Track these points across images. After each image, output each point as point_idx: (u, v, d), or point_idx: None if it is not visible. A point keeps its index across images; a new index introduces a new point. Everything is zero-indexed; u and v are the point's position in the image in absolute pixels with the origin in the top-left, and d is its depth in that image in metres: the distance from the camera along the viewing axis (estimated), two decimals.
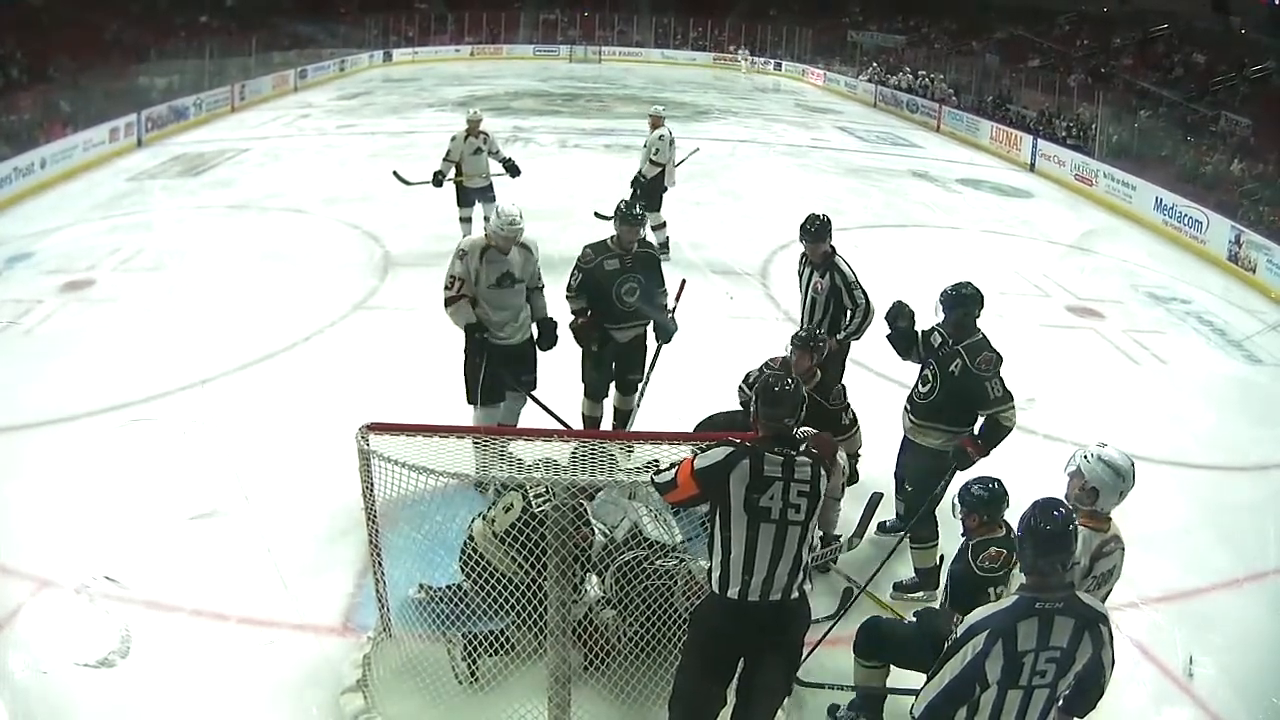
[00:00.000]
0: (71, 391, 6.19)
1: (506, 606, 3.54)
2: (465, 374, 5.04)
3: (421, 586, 3.98)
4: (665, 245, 9.23)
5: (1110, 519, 3.24)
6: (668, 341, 5.38)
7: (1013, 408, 4.17)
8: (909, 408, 4.58)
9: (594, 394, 5.48)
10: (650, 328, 5.41)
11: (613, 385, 5.52)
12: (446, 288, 4.91)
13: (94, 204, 11.58)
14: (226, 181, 13.01)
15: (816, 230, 5.38)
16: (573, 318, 5.26)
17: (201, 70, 19.77)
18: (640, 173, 9.36)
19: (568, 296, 5.26)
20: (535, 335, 5.15)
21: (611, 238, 5.27)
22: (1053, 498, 3.08)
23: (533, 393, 5.13)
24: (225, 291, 8.28)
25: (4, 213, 11.17)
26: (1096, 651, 2.64)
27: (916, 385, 4.56)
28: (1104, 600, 3.21)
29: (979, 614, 2.69)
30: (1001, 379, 4.17)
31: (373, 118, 19.11)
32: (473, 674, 3.67)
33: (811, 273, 5.42)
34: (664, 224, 9.45)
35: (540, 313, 5.16)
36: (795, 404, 3.00)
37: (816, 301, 5.39)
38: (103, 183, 12.85)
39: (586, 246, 5.29)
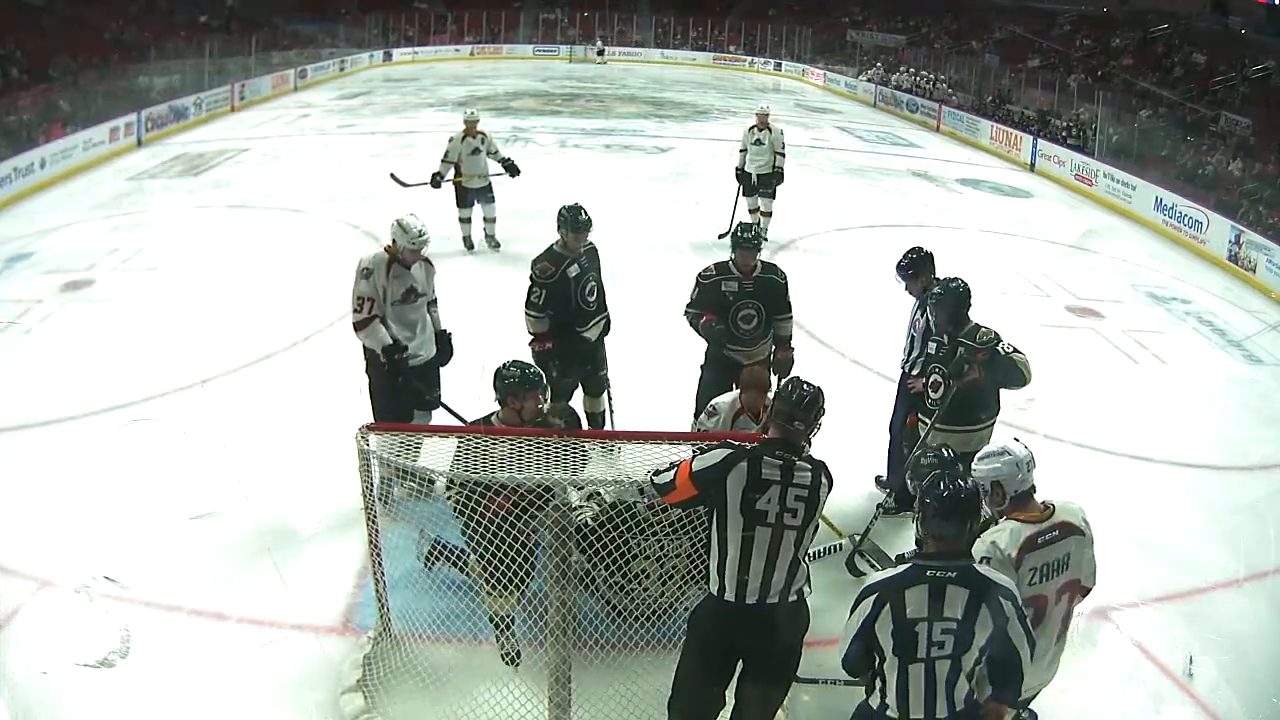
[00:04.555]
0: (71, 391, 6.18)
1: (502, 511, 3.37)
2: (372, 392, 4.92)
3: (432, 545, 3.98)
4: (765, 232, 10.00)
5: (1050, 507, 3.05)
6: (607, 333, 5.39)
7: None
8: (921, 416, 4.59)
9: (561, 397, 5.41)
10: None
11: (579, 391, 5.45)
12: (355, 310, 4.74)
13: (94, 204, 11.58)
14: (226, 181, 13.00)
15: (905, 266, 5.01)
16: (532, 339, 5.17)
17: (201, 70, 19.78)
18: (777, 167, 9.89)
19: (531, 315, 5.12)
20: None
21: (558, 244, 5.21)
22: (957, 468, 3.10)
23: (439, 407, 4.94)
24: (225, 291, 8.27)
25: (4, 213, 11.17)
26: (1000, 627, 2.64)
27: (926, 393, 4.57)
28: (1092, 586, 3.14)
29: (873, 577, 2.82)
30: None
31: (373, 118, 19.11)
32: (513, 657, 3.73)
33: (915, 307, 5.13)
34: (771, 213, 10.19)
35: (437, 325, 5.08)
36: (810, 413, 3.01)
37: (914, 339, 5.08)
38: (103, 182, 12.84)
39: (540, 261, 5.15)
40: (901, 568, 2.74)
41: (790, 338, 5.15)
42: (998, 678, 2.74)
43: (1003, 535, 2.95)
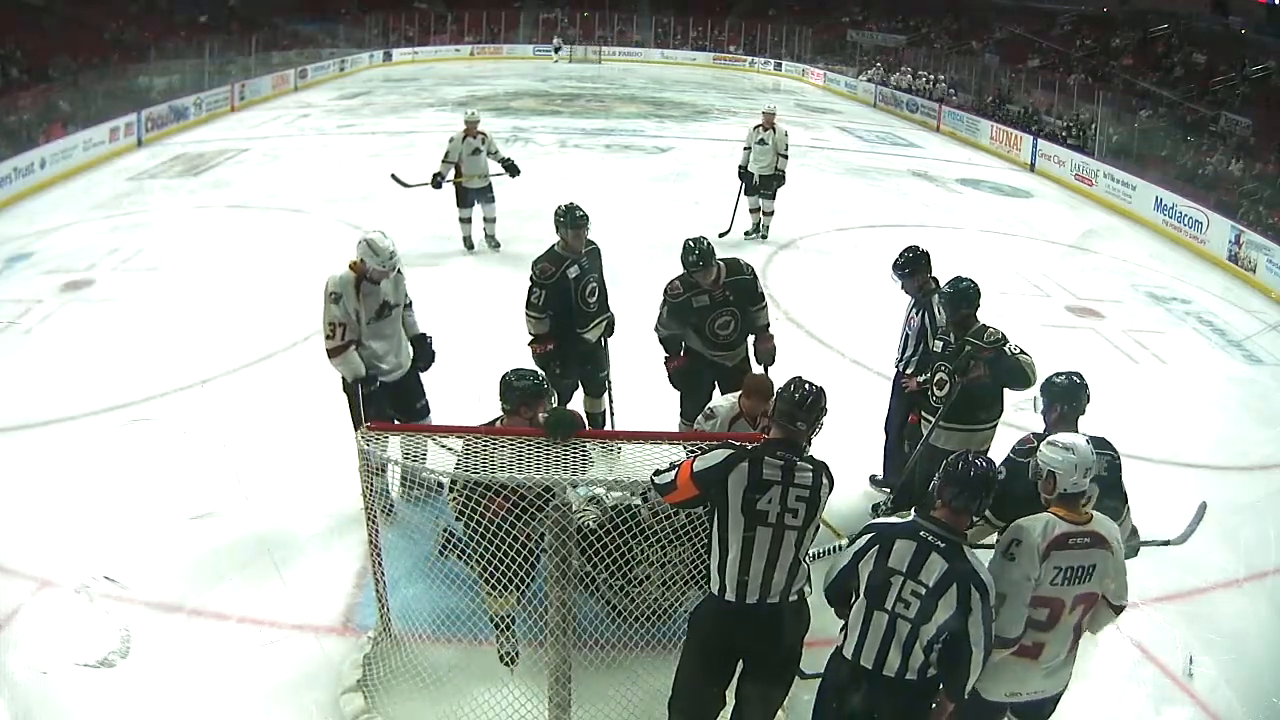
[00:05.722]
0: (71, 391, 6.18)
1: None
2: (351, 409, 4.68)
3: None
4: (766, 231, 10.38)
5: (1090, 514, 2.98)
6: (611, 334, 5.32)
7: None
8: (927, 414, 4.58)
9: (562, 398, 5.36)
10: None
11: (579, 391, 5.43)
12: (328, 336, 4.54)
13: (94, 204, 11.59)
14: (226, 181, 13.01)
15: (902, 265, 4.95)
16: (533, 340, 5.12)
17: (201, 70, 19.79)
18: (779, 169, 10.01)
19: (531, 316, 5.08)
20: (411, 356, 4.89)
21: (559, 244, 5.15)
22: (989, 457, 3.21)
23: (423, 420, 4.84)
24: (225, 291, 8.28)
25: (4, 213, 11.18)
26: (961, 617, 2.67)
27: (931, 390, 4.55)
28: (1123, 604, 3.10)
29: (881, 520, 2.98)
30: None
31: (373, 118, 19.10)
32: (511, 657, 3.74)
33: (910, 306, 5.05)
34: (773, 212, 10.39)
35: (413, 329, 4.89)
36: (812, 413, 3.00)
37: (909, 338, 5.01)
38: (103, 182, 12.84)
39: (541, 261, 5.10)
40: (905, 519, 2.88)
41: (767, 325, 5.00)
42: (946, 667, 2.79)
43: (1038, 523, 2.92)
